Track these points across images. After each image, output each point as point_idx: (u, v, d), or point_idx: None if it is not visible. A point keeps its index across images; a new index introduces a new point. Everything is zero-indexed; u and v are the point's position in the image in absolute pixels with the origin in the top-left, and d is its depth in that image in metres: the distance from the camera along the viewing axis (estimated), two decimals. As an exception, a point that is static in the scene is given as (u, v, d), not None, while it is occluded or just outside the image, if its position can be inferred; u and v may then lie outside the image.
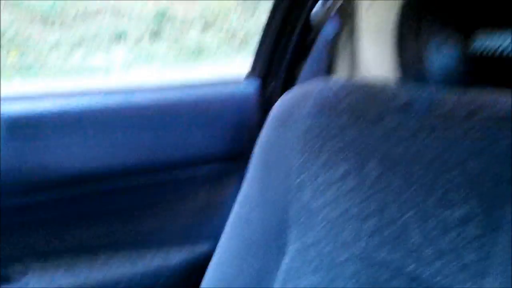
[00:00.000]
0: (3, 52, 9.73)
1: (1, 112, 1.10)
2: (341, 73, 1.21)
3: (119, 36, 10.95)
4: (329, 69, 1.27)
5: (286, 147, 0.72)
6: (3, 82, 8.67)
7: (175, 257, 1.29)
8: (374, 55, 0.87)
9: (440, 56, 0.75)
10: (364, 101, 0.69)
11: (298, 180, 0.69)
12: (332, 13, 1.28)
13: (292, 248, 0.69)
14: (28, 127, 1.13)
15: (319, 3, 1.32)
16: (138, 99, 1.26)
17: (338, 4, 1.26)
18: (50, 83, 8.58)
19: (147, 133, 1.24)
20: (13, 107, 1.13)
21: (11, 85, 8.20)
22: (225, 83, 1.42)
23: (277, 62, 1.39)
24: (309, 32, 1.36)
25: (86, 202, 1.23)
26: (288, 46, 1.37)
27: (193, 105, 1.30)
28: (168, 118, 1.26)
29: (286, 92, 0.81)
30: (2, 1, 10.94)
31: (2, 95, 1.14)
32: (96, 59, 9.82)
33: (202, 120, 1.30)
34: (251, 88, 1.38)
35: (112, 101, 1.24)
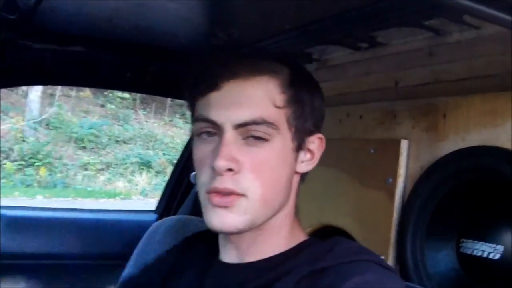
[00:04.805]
0: (33, 169, 11.17)
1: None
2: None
3: (144, 165, 12.21)
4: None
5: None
6: (26, 199, 9.79)
7: None
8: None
9: (435, 253, 1.11)
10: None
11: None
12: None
13: None
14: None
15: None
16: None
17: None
18: (68, 202, 9.63)
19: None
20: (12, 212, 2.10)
21: (33, 202, 9.33)
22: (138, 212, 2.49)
23: (170, 205, 2.35)
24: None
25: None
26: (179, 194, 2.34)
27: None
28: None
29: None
30: (40, 122, 12.53)
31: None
32: (118, 184, 11.03)
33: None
34: (151, 219, 2.31)
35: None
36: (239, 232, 0.82)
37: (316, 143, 0.87)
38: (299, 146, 0.84)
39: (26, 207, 2.40)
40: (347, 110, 1.43)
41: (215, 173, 0.78)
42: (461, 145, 1.10)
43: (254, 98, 0.79)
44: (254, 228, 0.82)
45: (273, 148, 0.80)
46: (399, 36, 1.21)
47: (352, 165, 1.35)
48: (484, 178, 1.05)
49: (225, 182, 0.77)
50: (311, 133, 0.86)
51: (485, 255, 1.07)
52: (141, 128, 13.40)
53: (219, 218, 0.78)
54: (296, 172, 0.87)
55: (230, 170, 0.77)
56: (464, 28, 1.07)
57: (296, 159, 0.85)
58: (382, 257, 1.20)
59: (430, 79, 1.15)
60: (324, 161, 1.44)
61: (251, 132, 0.78)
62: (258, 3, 1.15)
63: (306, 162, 0.87)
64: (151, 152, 12.50)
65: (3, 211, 2.07)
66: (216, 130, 0.80)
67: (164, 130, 13.81)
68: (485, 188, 1.08)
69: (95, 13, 1.30)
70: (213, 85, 0.80)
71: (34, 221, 2.11)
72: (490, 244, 1.07)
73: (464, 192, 1.11)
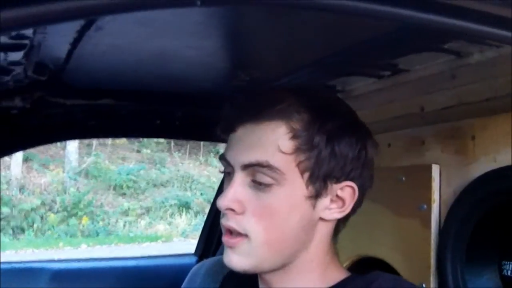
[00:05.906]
0: (76, 219, 11.36)
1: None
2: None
3: (183, 206, 12.30)
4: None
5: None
6: (71, 249, 9.97)
7: None
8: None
9: (477, 278, 1.12)
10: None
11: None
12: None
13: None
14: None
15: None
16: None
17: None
18: (111, 249, 9.77)
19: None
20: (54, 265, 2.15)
21: (77, 252, 9.43)
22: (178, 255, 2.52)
23: (209, 246, 2.35)
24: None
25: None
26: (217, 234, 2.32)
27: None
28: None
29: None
30: (79, 172, 12.83)
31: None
32: (159, 227, 11.12)
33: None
34: (191, 262, 2.32)
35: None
36: (247, 273, 0.84)
37: (346, 191, 0.83)
38: (318, 192, 0.81)
39: (67, 260, 2.44)
40: (375, 139, 1.42)
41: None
42: (493, 165, 1.08)
43: (262, 142, 0.80)
44: (271, 270, 0.84)
45: (278, 193, 0.79)
46: (421, 61, 1.20)
47: (383, 194, 1.33)
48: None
49: (229, 221, 0.81)
50: (337, 179, 0.82)
51: (528, 276, 1.05)
52: (177, 170, 13.56)
53: (227, 258, 0.83)
54: (322, 219, 0.84)
55: (232, 210, 0.80)
56: (485, 48, 1.06)
57: (314, 206, 0.81)
58: (424, 285, 1.19)
59: (455, 101, 1.13)
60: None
61: (257, 174, 0.80)
62: (276, 41, 1.17)
63: (335, 210, 0.83)
64: (188, 193, 12.62)
65: (47, 265, 2.12)
66: (230, 170, 0.84)
67: (200, 170, 13.93)
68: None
69: (120, 67, 1.34)
70: (230, 128, 0.84)
71: (76, 273, 2.14)
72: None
73: (500, 213, 1.09)
